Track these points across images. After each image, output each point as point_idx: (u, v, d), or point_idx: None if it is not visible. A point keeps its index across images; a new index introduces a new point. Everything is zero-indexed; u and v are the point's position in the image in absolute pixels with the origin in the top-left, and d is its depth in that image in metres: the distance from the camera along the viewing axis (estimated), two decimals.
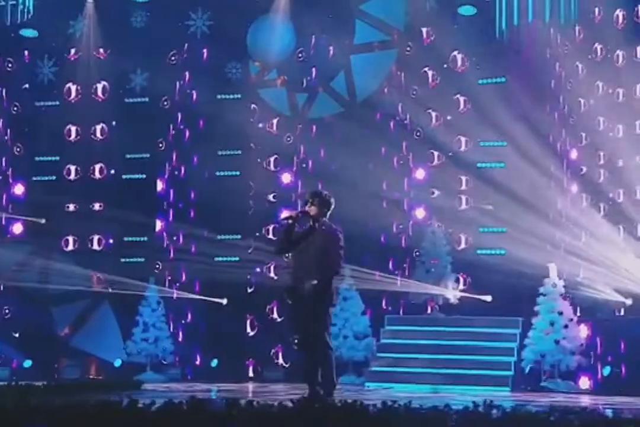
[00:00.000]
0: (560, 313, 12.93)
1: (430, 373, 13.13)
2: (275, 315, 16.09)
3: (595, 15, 15.64)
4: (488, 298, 14.77)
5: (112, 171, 17.22)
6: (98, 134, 17.24)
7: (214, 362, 16.16)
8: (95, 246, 17.10)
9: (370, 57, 16.68)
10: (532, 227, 15.11)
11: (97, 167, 17.26)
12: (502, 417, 6.56)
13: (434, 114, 16.14)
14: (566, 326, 12.85)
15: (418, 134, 16.16)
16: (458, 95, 16.01)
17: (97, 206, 17.07)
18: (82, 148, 17.25)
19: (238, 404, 7.25)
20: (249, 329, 16.23)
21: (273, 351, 15.93)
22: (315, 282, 8.78)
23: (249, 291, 16.28)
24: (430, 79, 16.20)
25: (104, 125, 17.21)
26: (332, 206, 9.16)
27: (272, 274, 16.23)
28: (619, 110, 15.30)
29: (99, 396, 8.69)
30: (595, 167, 15.68)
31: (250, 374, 15.84)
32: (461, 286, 15.07)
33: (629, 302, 13.45)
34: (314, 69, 16.78)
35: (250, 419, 6.99)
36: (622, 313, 13.53)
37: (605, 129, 15.48)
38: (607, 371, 12.58)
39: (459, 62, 16.09)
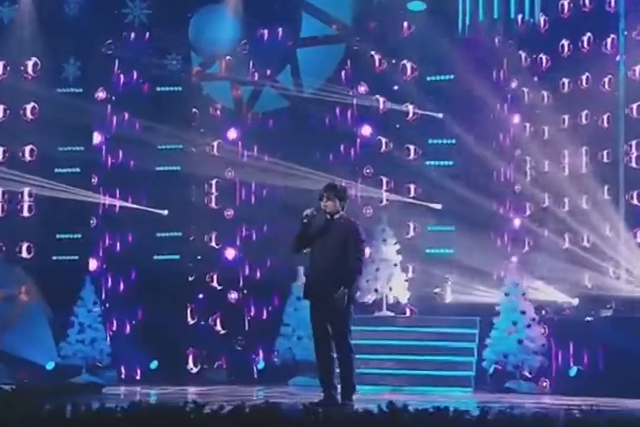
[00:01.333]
0: (523, 312, 12.82)
1: (390, 374, 12.88)
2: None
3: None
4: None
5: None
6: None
7: (154, 364, 15.55)
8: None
9: (318, 51, 16.33)
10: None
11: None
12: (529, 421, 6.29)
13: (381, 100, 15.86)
14: (529, 326, 12.74)
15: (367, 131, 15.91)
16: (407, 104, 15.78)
17: None
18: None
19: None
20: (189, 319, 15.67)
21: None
22: (346, 290, 8.41)
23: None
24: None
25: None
26: (349, 198, 8.77)
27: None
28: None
29: (73, 400, 8.06)
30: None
31: (193, 369, 15.28)
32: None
33: (575, 302, 13.47)
34: (259, 62, 16.30)
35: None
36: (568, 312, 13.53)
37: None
38: (573, 371, 12.52)
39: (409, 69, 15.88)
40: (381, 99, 15.93)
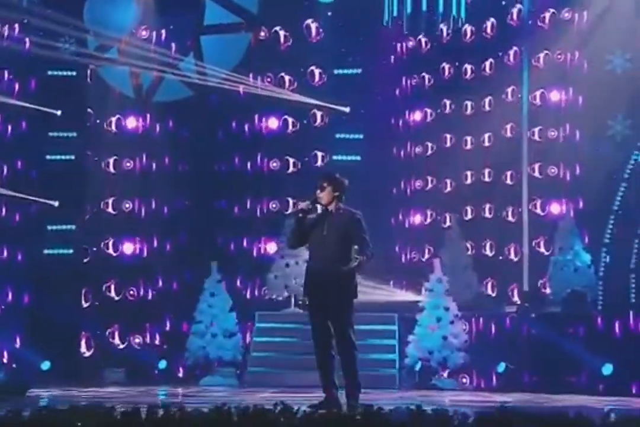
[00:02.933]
0: (447, 309, 12.79)
1: (310, 373, 12.52)
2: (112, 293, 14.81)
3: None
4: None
5: None
6: None
7: (46, 365, 14.65)
8: None
9: (222, 39, 15.82)
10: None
11: None
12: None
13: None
14: (452, 322, 12.72)
15: (274, 123, 15.55)
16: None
17: None
18: None
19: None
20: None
21: (109, 331, 14.67)
22: (355, 263, 7.91)
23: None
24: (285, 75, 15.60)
25: None
26: (346, 188, 8.25)
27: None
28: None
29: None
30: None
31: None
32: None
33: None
34: (159, 49, 15.63)
35: None
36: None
37: None
38: (501, 367, 12.58)
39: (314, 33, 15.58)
40: (288, 91, 15.57)
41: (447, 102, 15.55)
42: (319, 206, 8.28)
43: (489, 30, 15.36)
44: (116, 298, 14.92)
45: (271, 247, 15.14)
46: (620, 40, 14.63)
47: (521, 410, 6.38)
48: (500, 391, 11.84)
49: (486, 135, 15.21)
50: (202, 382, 13.37)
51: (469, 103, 15.35)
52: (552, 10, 15.05)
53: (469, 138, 15.35)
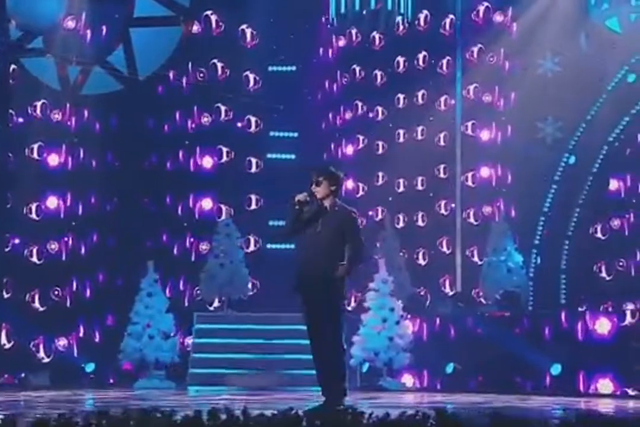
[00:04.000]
0: (392, 309, 12.72)
1: (255, 374, 12.34)
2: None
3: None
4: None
5: None
6: None
7: None
8: None
9: (153, 32, 15.40)
10: None
11: None
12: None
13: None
14: (397, 323, 12.66)
15: (205, 119, 15.19)
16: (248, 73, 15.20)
17: None
18: None
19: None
20: None
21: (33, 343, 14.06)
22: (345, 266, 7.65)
23: None
24: (219, 70, 15.26)
25: None
26: (343, 182, 8.01)
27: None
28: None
29: None
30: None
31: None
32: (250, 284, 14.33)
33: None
34: (87, 40, 15.07)
35: None
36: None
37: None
38: (450, 368, 12.58)
39: (248, 38, 15.30)
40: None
41: (379, 109, 15.52)
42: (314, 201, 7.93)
43: (422, 22, 15.40)
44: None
45: (204, 247, 14.79)
46: (551, 45, 14.89)
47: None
48: (446, 391, 11.85)
49: (419, 129, 15.26)
50: (137, 386, 12.94)
51: (401, 96, 15.37)
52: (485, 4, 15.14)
53: (401, 132, 15.32)
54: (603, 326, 11.47)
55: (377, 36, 15.42)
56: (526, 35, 15.01)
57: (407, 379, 12.80)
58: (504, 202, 14.87)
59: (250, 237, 14.94)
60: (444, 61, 15.29)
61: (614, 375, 11.35)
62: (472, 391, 11.60)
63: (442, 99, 15.26)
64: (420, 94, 15.31)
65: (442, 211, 15.07)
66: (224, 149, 15.21)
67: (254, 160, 15.30)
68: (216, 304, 14.15)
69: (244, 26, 15.37)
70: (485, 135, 15.18)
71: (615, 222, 14.42)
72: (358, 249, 7.78)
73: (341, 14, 15.36)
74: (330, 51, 15.80)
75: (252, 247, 14.97)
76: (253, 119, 15.30)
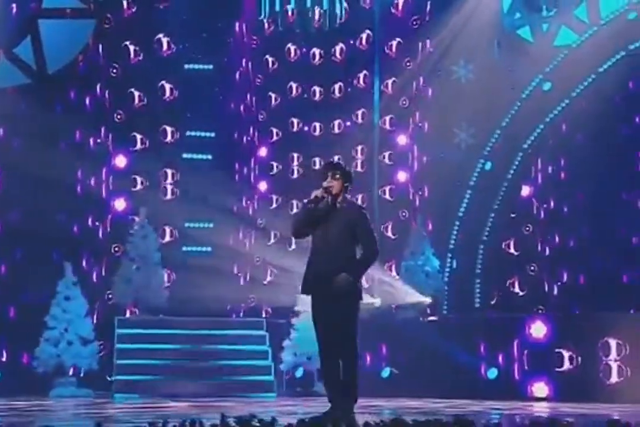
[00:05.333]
0: None
1: (185, 380, 11.91)
2: None
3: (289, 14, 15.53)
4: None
5: None
6: None
7: None
8: None
9: (63, 24, 14.70)
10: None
11: None
12: None
13: (137, 94, 14.67)
14: None
15: (119, 116, 14.60)
16: (164, 82, 14.76)
17: None
18: None
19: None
20: None
21: None
22: (350, 278, 7.28)
23: None
24: (132, 55, 14.70)
25: None
26: (353, 180, 7.59)
27: None
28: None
29: None
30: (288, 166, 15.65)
31: None
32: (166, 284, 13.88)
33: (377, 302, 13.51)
34: None
35: None
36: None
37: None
38: (386, 372, 12.45)
39: (165, 46, 14.85)
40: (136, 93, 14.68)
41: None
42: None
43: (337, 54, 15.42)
44: None
45: (116, 249, 14.19)
46: (465, 52, 15.08)
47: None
48: (383, 396, 11.75)
49: (336, 122, 15.20)
50: (53, 394, 12.27)
51: (317, 89, 15.22)
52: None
53: (317, 125, 15.22)
54: (538, 330, 11.60)
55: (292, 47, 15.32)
56: (442, 41, 15.14)
57: None
58: (421, 207, 14.93)
59: (165, 228, 14.42)
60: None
61: (548, 379, 11.48)
62: (408, 396, 11.52)
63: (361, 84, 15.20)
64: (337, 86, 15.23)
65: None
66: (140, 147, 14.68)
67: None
68: (132, 308, 13.59)
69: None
70: (402, 140, 15.22)
71: (527, 228, 14.68)
72: (371, 248, 7.48)
73: (258, 13, 15.16)
74: (244, 50, 15.49)
75: (167, 238, 14.44)
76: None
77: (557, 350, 11.45)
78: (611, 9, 14.53)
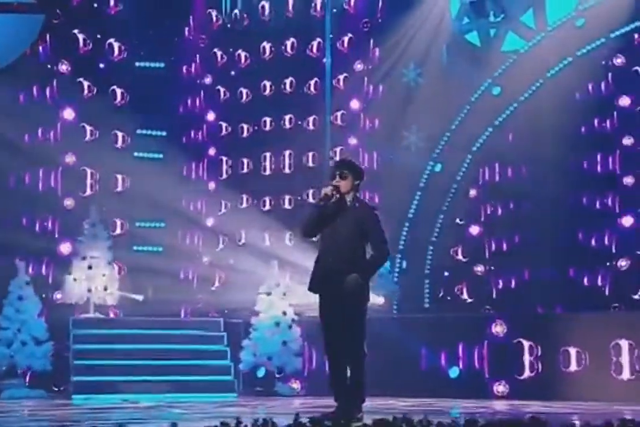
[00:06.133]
0: (285, 313, 12.45)
1: (146, 381, 11.73)
2: None
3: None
4: (140, 297, 13.64)
5: None
6: None
7: None
8: None
9: (11, 19, 14.37)
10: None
11: None
12: None
13: (86, 84, 14.42)
14: (290, 327, 12.41)
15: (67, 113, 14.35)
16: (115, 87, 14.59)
17: None
18: None
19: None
20: None
21: None
22: (360, 280, 7.26)
23: None
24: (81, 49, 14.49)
25: None
26: (364, 178, 7.51)
27: None
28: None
29: None
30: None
31: None
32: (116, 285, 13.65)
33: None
34: None
35: None
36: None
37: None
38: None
39: (116, 50, 14.67)
40: (85, 83, 14.45)
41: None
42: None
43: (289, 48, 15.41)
44: None
45: (65, 248, 13.92)
46: (415, 56, 15.24)
47: None
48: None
49: (287, 118, 15.23)
50: (5, 396, 11.93)
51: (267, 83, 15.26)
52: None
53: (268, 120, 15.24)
54: (498, 327, 11.76)
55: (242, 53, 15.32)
56: (394, 45, 15.26)
57: (299, 384, 12.56)
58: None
59: (116, 221, 14.21)
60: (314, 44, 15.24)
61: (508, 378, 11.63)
62: (371, 395, 11.49)
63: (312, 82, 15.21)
64: (288, 81, 15.25)
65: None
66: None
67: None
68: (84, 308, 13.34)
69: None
70: (352, 141, 15.29)
71: (475, 229, 14.89)
72: (381, 248, 7.42)
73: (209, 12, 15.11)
74: (194, 49, 15.40)
75: (118, 230, 14.25)
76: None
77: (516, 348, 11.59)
78: (558, 15, 14.83)
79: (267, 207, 15.05)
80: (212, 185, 15.51)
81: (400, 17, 15.14)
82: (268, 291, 12.48)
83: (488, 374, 11.73)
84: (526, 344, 11.57)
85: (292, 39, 15.41)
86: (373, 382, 11.47)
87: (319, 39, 15.31)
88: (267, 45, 15.47)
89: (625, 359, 10.93)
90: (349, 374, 7.40)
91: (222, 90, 15.55)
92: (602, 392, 10.85)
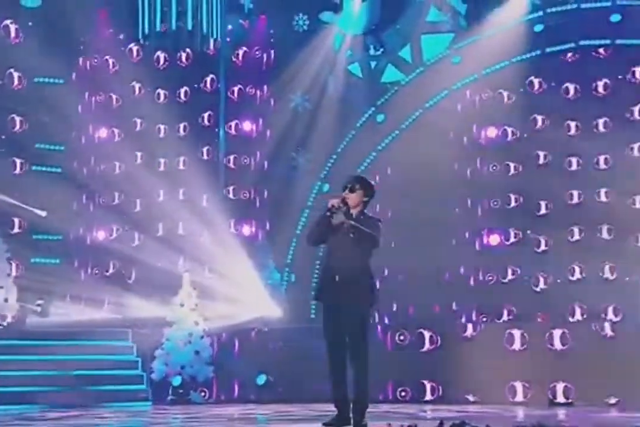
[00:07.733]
0: (197, 323, 12.97)
1: (57, 391, 11.98)
2: None
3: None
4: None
5: None
6: None
7: None
8: None
9: None
10: None
11: None
12: None
13: None
14: (202, 337, 12.93)
15: None
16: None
17: None
18: None
19: None
20: None
21: None
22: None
23: None
24: None
25: None
26: (374, 195, 7.70)
27: None
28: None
29: None
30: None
31: None
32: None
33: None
34: None
35: None
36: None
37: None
38: (262, 379, 13.04)
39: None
40: None
41: (139, 121, 15.83)
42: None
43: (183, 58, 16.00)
44: None
45: None
46: (303, 83, 16.23)
47: None
48: (258, 402, 12.44)
49: (181, 159, 15.77)
50: None
51: (162, 126, 15.76)
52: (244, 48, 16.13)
53: (162, 160, 15.73)
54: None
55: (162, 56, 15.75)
56: (282, 71, 16.15)
57: (215, 392, 13.10)
58: (261, 222, 15.78)
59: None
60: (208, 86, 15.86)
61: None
62: (287, 402, 12.14)
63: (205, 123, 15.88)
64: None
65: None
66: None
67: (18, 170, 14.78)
68: None
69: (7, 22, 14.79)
70: (245, 160, 16.02)
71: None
72: (374, 233, 7.61)
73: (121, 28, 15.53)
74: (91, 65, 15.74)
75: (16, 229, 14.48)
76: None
77: None
78: (433, 52, 16.23)
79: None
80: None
81: (292, 52, 16.01)
82: (180, 302, 13.00)
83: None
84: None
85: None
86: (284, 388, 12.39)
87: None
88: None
89: None
90: (353, 382, 7.59)
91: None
92: None
